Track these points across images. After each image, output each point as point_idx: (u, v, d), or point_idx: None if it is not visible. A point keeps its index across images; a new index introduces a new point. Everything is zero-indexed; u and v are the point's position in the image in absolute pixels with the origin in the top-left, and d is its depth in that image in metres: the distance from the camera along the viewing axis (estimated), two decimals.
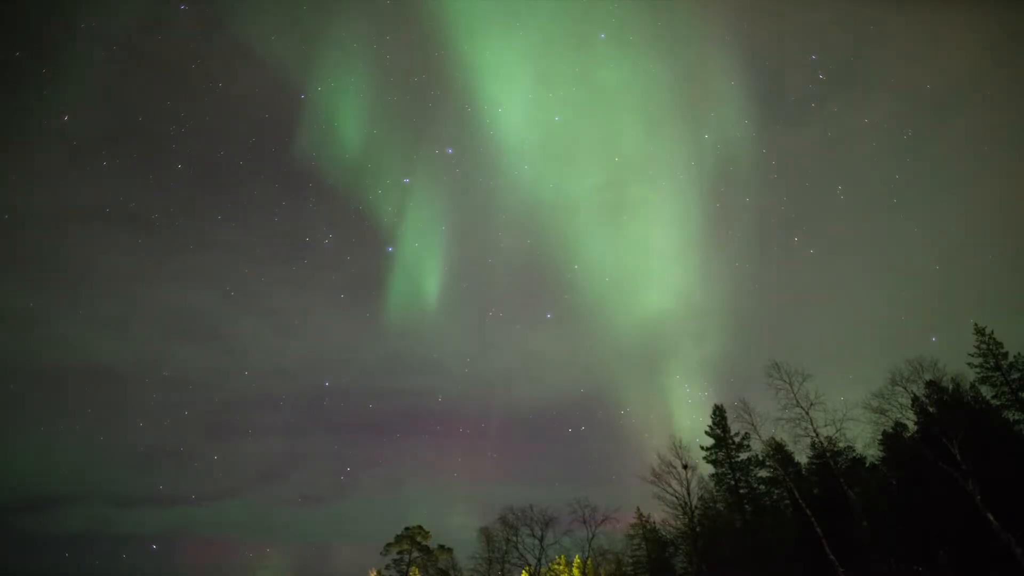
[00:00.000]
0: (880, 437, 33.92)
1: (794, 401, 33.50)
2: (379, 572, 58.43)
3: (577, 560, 50.74)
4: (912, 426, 32.55)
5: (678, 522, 40.07)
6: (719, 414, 42.84)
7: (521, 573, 48.28)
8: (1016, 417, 31.79)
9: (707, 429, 42.85)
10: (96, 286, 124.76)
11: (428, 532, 59.00)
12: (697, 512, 39.45)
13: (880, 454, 34.79)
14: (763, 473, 40.04)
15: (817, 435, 33.13)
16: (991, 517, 26.10)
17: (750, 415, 36.39)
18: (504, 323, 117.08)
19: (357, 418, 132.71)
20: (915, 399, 31.85)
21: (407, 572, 56.89)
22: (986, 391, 33.34)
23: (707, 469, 41.31)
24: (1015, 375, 32.79)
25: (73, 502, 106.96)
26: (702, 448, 42.14)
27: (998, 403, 32.65)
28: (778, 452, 37.60)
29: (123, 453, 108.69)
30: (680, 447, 40.10)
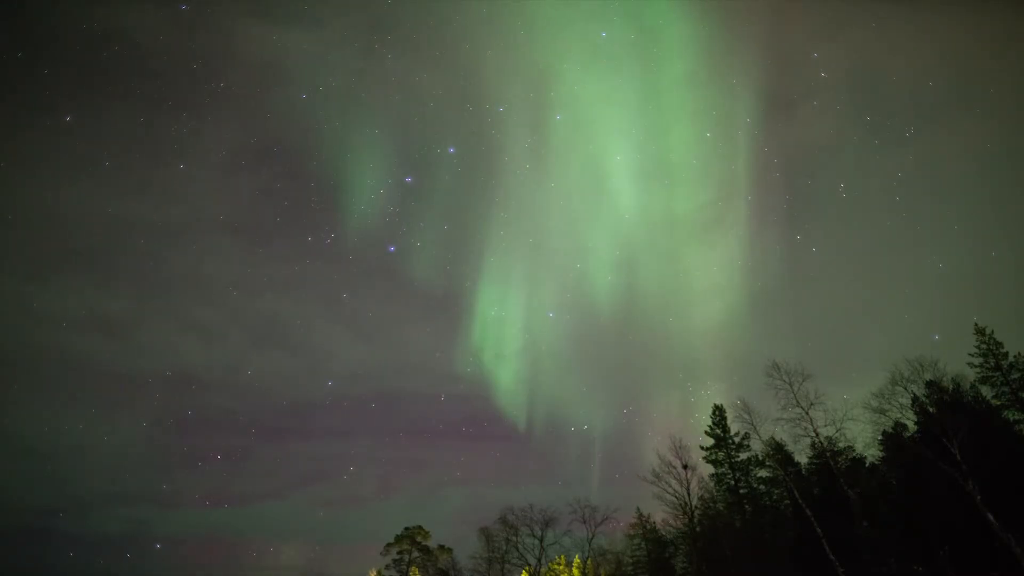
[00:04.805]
0: (880, 437, 33.91)
1: (794, 401, 33.51)
2: (379, 572, 58.47)
3: (577, 560, 50.72)
4: (912, 426, 32.53)
5: (678, 522, 40.09)
6: (719, 414, 42.82)
7: (521, 573, 48.27)
8: (1016, 417, 31.76)
9: (707, 429, 42.85)
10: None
11: (428, 532, 59.07)
12: (697, 512, 39.42)
13: (880, 454, 34.77)
14: (763, 473, 40.02)
15: (817, 435, 33.12)
16: (991, 517, 26.08)
17: (750, 415, 36.44)
18: (505, 322, 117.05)
19: (358, 420, 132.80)
20: (915, 399, 31.81)
21: (407, 572, 56.90)
22: (986, 391, 33.32)
23: (707, 469, 41.38)
24: (1015, 375, 32.76)
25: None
26: (702, 448, 42.16)
27: (998, 403, 32.62)
28: (778, 452, 37.58)
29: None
30: (680, 447, 40.13)
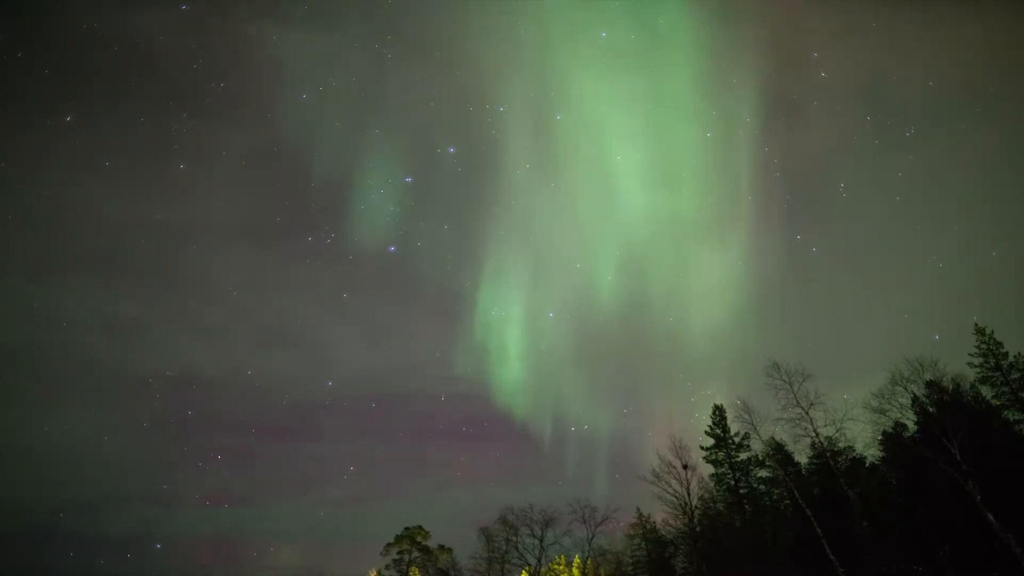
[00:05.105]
0: (880, 437, 33.91)
1: (794, 401, 33.50)
2: (379, 572, 58.47)
3: (577, 560, 50.72)
4: (912, 426, 32.52)
5: (678, 522, 40.06)
6: (719, 414, 42.80)
7: (521, 573, 48.26)
8: (1016, 417, 31.76)
9: (707, 429, 42.84)
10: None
11: (428, 532, 59.06)
12: (697, 512, 39.41)
13: (880, 454, 34.78)
14: (763, 473, 40.01)
15: (817, 435, 33.11)
16: (991, 517, 26.08)
17: (750, 415, 36.42)
18: (505, 322, 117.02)
19: (358, 420, 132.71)
20: (915, 399, 31.80)
21: (407, 572, 56.89)
22: (986, 391, 33.32)
23: (707, 469, 41.38)
24: (1015, 375, 32.76)
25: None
26: (702, 448, 42.16)
27: (998, 403, 32.61)
28: (778, 452, 37.57)
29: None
30: (680, 447, 40.12)
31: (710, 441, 42.17)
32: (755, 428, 36.33)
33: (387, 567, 57.58)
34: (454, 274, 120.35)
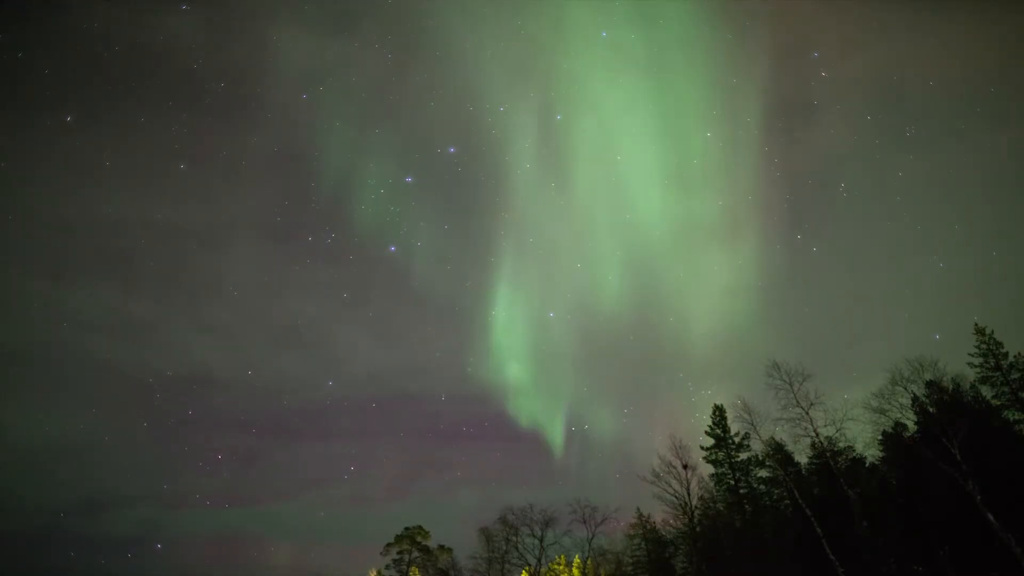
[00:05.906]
0: (880, 437, 33.91)
1: (794, 401, 33.49)
2: (379, 572, 58.48)
3: (577, 560, 50.72)
4: (912, 426, 32.51)
5: (678, 522, 40.06)
6: (719, 414, 42.80)
7: (521, 573, 48.25)
8: (1016, 417, 31.74)
9: (707, 429, 42.85)
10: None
11: (428, 532, 59.06)
12: (697, 512, 39.41)
13: (880, 454, 34.78)
14: (763, 473, 40.01)
15: (817, 435, 33.10)
16: (991, 517, 26.07)
17: (750, 415, 36.40)
18: (506, 322, 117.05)
19: (358, 420, 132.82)
20: (915, 399, 31.79)
21: (407, 572, 56.89)
22: (986, 391, 33.30)
23: (707, 469, 41.37)
24: (1015, 375, 32.75)
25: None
26: (702, 448, 42.16)
27: (998, 403, 32.60)
28: (778, 452, 37.56)
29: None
30: (680, 447, 40.12)
31: (710, 441, 42.19)
32: (755, 428, 36.36)
33: (387, 567, 57.62)
34: (454, 274, 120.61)
